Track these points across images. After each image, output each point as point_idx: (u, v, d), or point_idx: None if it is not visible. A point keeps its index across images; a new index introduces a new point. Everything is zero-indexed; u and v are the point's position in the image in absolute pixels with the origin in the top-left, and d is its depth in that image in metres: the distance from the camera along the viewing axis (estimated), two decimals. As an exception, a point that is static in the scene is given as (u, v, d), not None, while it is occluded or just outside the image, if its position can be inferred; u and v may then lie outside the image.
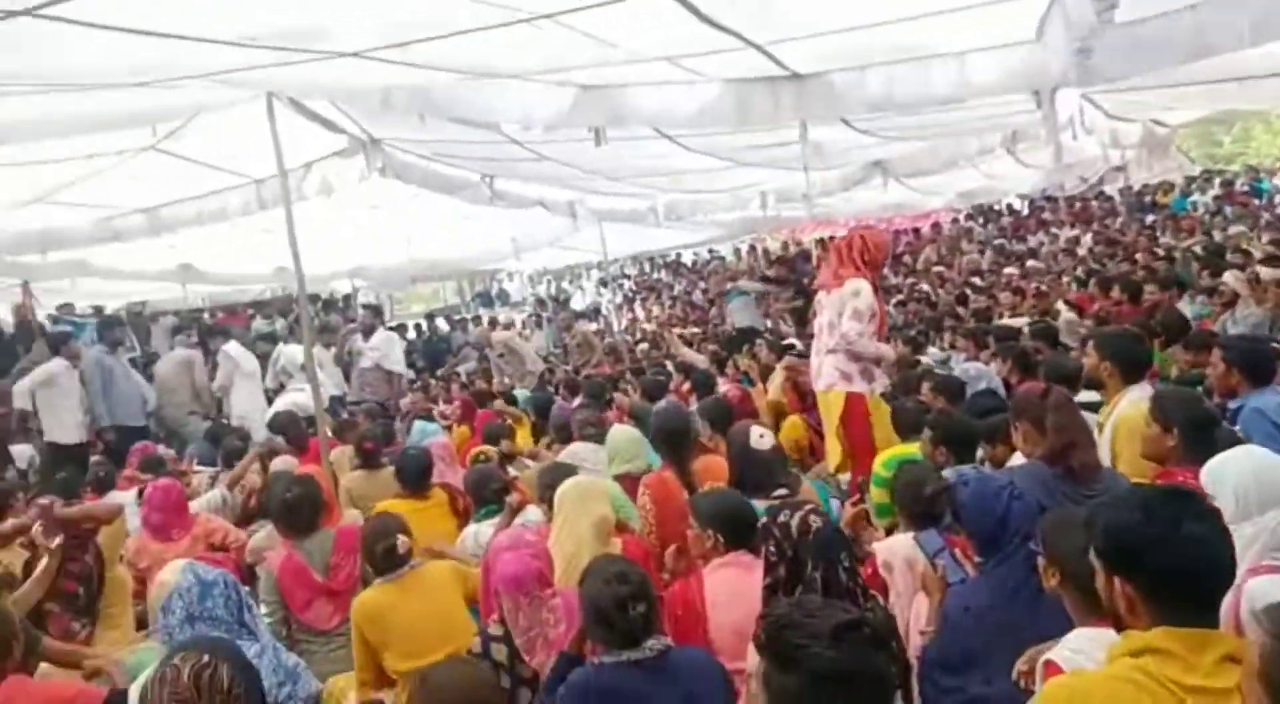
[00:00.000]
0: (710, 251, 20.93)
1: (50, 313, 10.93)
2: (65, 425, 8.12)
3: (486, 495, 4.39)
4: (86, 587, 3.84)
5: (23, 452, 7.92)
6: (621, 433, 4.77)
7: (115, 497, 5.38)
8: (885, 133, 7.75)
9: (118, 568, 4.14)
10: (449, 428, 7.45)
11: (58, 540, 3.65)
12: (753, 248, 19.86)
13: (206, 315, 13.93)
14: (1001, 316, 8.99)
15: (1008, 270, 12.18)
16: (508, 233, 12.12)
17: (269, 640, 2.84)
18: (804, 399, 5.84)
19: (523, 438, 6.91)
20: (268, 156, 6.14)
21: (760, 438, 3.65)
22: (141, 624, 4.04)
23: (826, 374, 4.81)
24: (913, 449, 4.00)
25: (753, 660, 2.40)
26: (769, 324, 11.51)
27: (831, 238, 17.41)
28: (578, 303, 21.21)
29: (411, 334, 15.81)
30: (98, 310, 11.32)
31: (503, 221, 11.35)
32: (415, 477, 4.70)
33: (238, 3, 3.52)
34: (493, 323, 15.67)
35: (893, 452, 4.08)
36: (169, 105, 5.52)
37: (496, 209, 9.96)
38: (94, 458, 7.76)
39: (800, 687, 1.51)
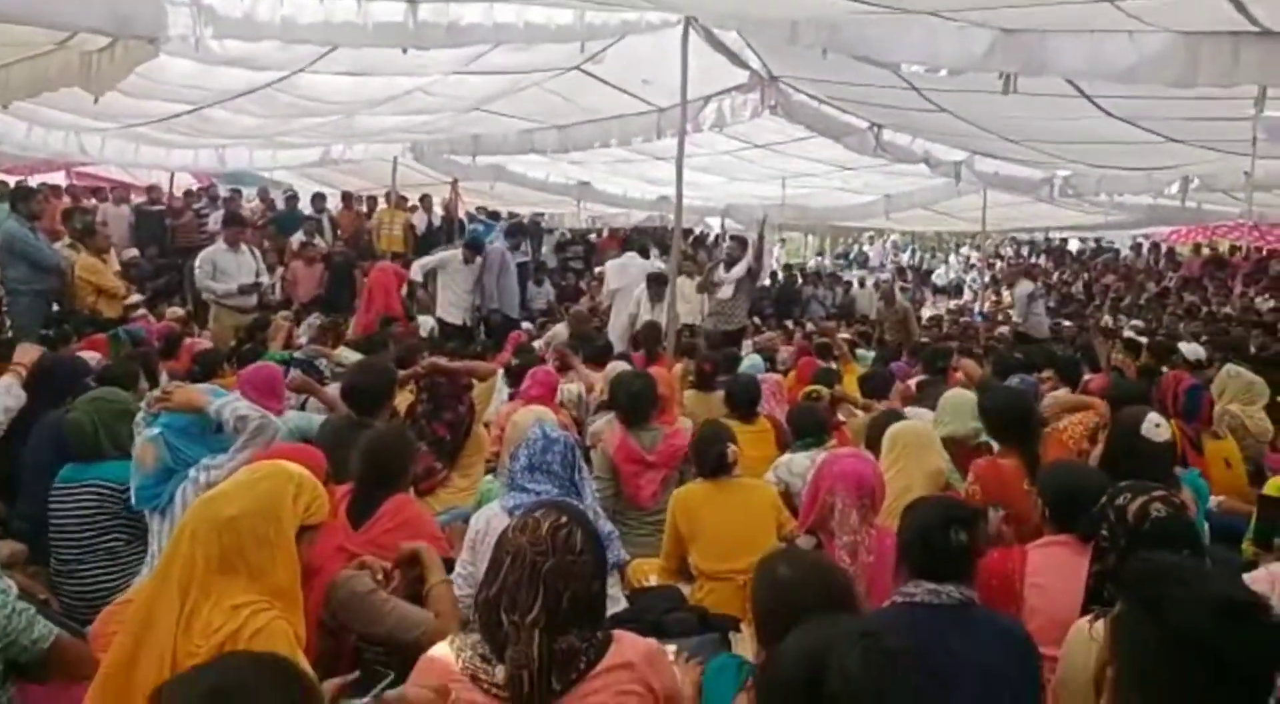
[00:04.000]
0: (1098, 241, 18.99)
1: (469, 211, 12.51)
2: (453, 307, 9.35)
3: (807, 428, 4.41)
4: (454, 434, 4.33)
5: (425, 321, 9.29)
6: (954, 394, 4.59)
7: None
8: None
9: (480, 426, 4.66)
10: (786, 372, 7.57)
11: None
12: (1156, 246, 17.69)
13: (593, 236, 15.15)
14: None
15: None
16: (882, 189, 11.87)
17: (592, 503, 3.09)
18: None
19: (850, 387, 6.84)
20: (672, 87, 6.55)
21: (1156, 427, 3.27)
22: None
23: None
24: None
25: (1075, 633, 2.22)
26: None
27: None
28: (940, 277, 20.33)
29: (766, 282, 16.24)
30: (510, 215, 12.78)
31: (880, 177, 11.13)
32: (745, 401, 4.87)
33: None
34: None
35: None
36: (600, 24, 6.01)
37: (876, 163, 9.80)
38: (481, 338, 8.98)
39: (1161, 644, 1.36)
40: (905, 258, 22.26)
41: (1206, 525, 3.48)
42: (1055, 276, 18.57)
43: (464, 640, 1.89)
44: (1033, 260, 20.56)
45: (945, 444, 4.08)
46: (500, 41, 6.20)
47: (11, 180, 10.76)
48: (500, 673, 1.80)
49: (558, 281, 13.08)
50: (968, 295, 17.56)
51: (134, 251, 10.44)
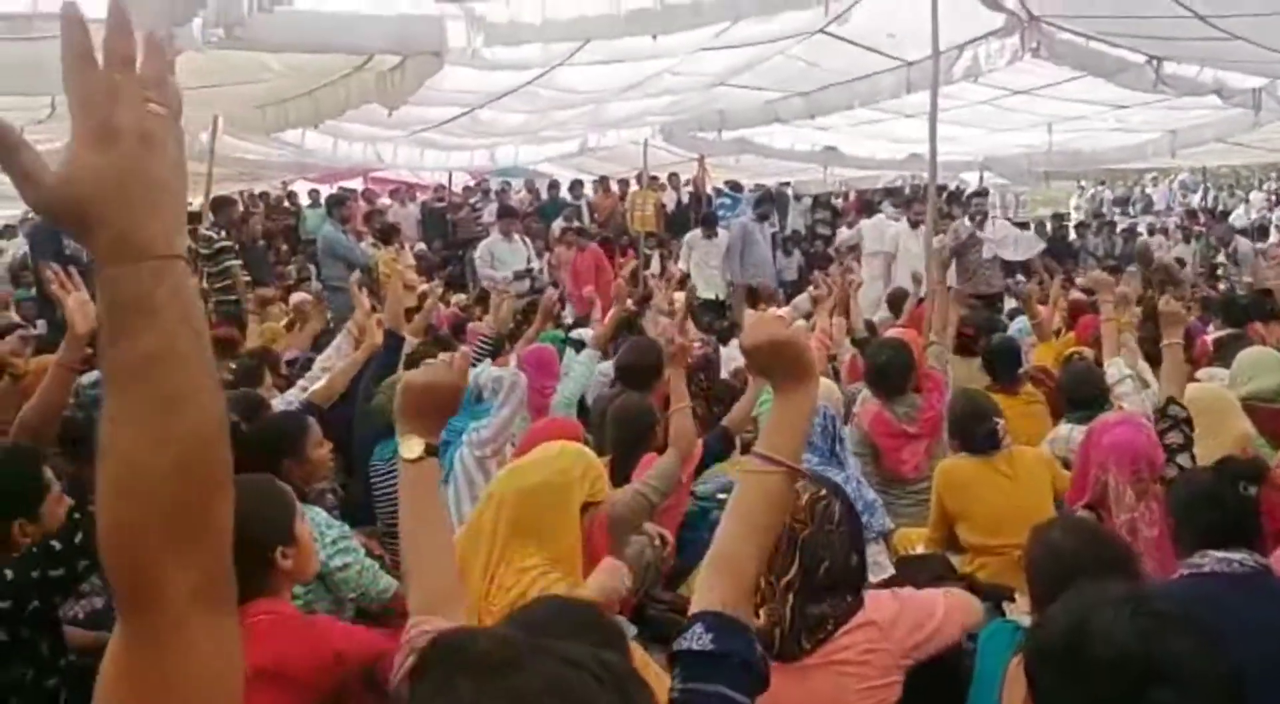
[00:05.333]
0: None
1: (716, 185, 12.73)
2: (705, 282, 9.72)
3: (1083, 396, 4.05)
4: (720, 407, 4.49)
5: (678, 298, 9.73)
6: (1256, 351, 4.13)
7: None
8: None
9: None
10: (1057, 332, 7.12)
11: None
12: None
13: (839, 200, 14.89)
14: None
15: None
16: (1165, 125, 10.73)
17: (854, 472, 3.14)
18: None
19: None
20: (922, 40, 6.30)
21: None
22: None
23: None
24: None
25: None
26: None
27: None
28: (1239, 219, 18.04)
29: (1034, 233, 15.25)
30: (757, 186, 12.87)
31: (1162, 113, 10.07)
32: (1004, 367, 4.56)
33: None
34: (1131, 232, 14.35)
35: None
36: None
37: (1156, 98, 8.89)
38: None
39: None
40: (1196, 199, 19.94)
41: None
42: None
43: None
44: (1361, 191, 17.79)
45: (1246, 408, 3.71)
46: (742, 14, 6.29)
47: (322, 188, 12.30)
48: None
49: (806, 249, 13.01)
50: (1274, 237, 15.51)
51: (422, 245, 11.62)
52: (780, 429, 1.37)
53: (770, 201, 12.44)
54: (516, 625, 1.40)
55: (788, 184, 14.27)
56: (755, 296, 8.95)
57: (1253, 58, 7.12)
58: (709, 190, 13.02)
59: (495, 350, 5.26)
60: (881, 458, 3.98)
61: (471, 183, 13.86)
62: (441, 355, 1.60)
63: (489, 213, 11.54)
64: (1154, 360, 4.43)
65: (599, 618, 1.44)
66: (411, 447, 1.54)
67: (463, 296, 9.51)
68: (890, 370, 4.07)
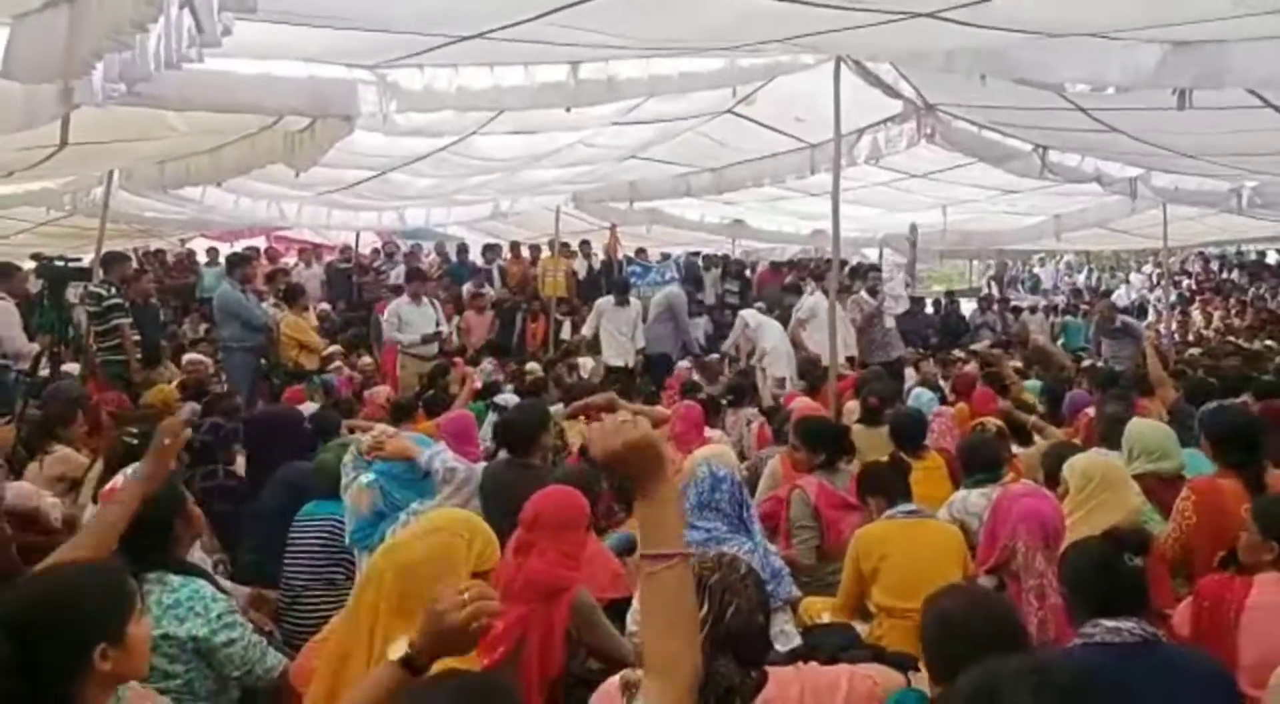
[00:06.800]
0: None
1: (627, 254, 12.88)
2: (614, 350, 9.79)
3: (980, 462, 4.21)
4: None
5: (586, 363, 9.75)
6: (1148, 426, 4.32)
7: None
8: None
9: None
10: (953, 402, 7.38)
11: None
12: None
13: (748, 271, 15.22)
14: None
15: None
16: (1050, 209, 11.39)
17: (761, 542, 3.14)
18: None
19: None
20: (825, 123, 6.58)
21: None
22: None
23: None
24: None
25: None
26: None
27: None
28: (1121, 298, 19.13)
29: (930, 309, 15.85)
30: (665, 256, 13.07)
31: (1047, 197, 10.70)
32: (910, 436, 4.73)
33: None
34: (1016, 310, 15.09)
35: None
36: (750, 67, 6.16)
37: (1042, 184, 9.45)
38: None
39: None
40: (1081, 279, 21.11)
41: None
42: (1250, 292, 17.19)
43: (634, 676, 1.95)
44: (1224, 276, 19.10)
45: (1140, 479, 3.88)
46: (655, 92, 6.46)
47: (221, 246, 11.96)
48: None
49: (717, 318, 13.21)
50: (1152, 316, 16.50)
51: (325, 306, 11.36)
52: (656, 525, 1.43)
53: (694, 270, 12.70)
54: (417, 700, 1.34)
55: (698, 253, 14.54)
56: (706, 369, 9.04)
57: (1130, 149, 7.64)
58: (620, 258, 13.15)
59: (401, 417, 5.16)
60: (827, 531, 4.00)
61: (379, 244, 13.70)
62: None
63: (396, 275, 11.40)
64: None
65: (492, 689, 1.38)
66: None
67: (369, 360, 9.33)
68: (826, 437, 4.19)
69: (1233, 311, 16.34)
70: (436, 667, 1.95)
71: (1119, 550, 2.13)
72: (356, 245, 13.36)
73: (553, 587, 2.65)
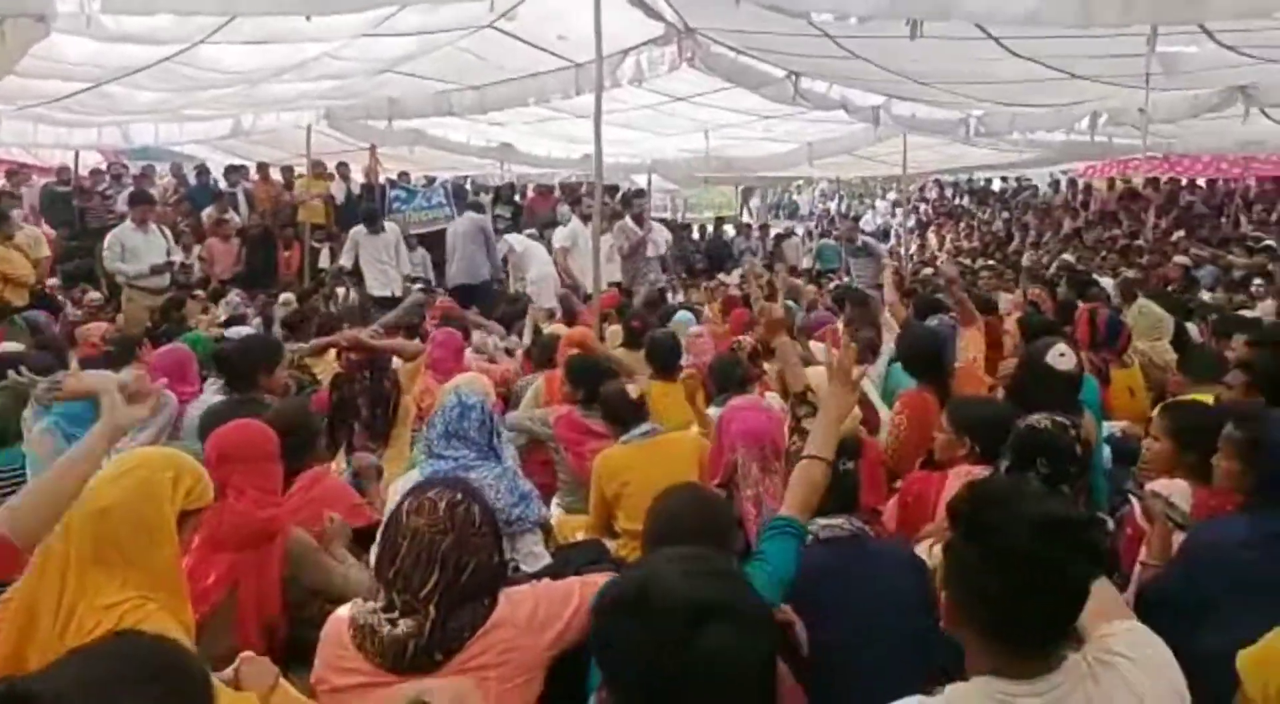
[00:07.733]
0: (1019, 180, 19.40)
1: (389, 177, 12.22)
2: (378, 280, 9.38)
3: (726, 381, 4.35)
4: (383, 410, 4.36)
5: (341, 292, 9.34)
6: None
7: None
8: (1258, 50, 6.68)
9: (408, 398, 4.58)
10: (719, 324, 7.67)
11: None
12: (1073, 182, 18.10)
13: (518, 196, 14.96)
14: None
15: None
16: (804, 136, 11.93)
17: (511, 465, 3.10)
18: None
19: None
20: (588, 43, 6.45)
21: (1061, 356, 3.38)
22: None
23: None
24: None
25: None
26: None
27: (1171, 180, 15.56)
28: (868, 223, 20.54)
29: (696, 235, 16.35)
30: (429, 180, 12.50)
31: (801, 125, 11.19)
32: (663, 358, 4.81)
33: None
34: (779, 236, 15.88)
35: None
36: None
37: (796, 111, 9.84)
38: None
39: (979, 561, 1.41)
40: (834, 205, 22.45)
41: (1108, 449, 3.67)
42: (977, 216, 18.94)
43: (364, 606, 1.91)
44: (957, 201, 20.92)
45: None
46: (405, 2, 6.06)
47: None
48: (388, 641, 1.84)
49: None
50: (893, 239, 17.82)
51: (40, 232, 10.03)
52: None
53: (463, 196, 12.20)
54: (73, 670, 1.17)
55: (466, 178, 14.09)
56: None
57: (873, 76, 8.08)
58: (382, 181, 12.45)
59: (121, 356, 4.63)
60: (566, 454, 4.06)
61: (104, 165, 12.23)
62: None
63: (123, 199, 10.24)
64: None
65: (176, 661, 1.23)
66: None
67: (96, 294, 8.38)
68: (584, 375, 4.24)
69: (963, 235, 17.96)
70: (125, 624, 1.77)
71: (837, 456, 2.26)
72: (76, 166, 11.85)
73: (261, 532, 2.49)
